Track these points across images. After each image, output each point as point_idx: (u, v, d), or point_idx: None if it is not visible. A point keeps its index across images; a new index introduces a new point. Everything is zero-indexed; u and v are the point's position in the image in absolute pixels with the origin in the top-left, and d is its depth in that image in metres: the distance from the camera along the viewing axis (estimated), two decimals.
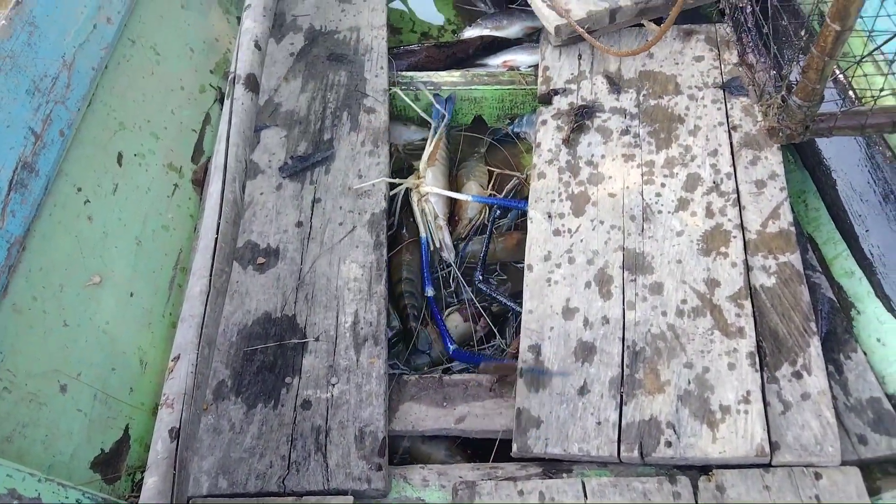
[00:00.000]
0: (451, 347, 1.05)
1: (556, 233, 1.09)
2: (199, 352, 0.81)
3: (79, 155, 1.04)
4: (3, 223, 0.88)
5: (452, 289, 1.17)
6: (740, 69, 1.11)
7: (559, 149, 1.18)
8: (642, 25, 1.31)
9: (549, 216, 1.11)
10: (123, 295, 1.01)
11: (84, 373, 0.91)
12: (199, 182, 1.21)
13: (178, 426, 0.75)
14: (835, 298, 1.07)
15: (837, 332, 1.02)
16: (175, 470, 0.72)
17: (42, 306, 0.91)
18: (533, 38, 1.50)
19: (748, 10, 1.01)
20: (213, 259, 0.87)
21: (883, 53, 1.09)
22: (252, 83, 1.10)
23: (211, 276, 0.86)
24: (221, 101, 1.32)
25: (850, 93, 1.15)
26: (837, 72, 1.16)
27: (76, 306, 0.95)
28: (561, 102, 1.24)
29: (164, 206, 1.14)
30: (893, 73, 1.09)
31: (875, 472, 0.91)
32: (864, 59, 1.13)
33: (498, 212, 1.21)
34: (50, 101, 0.99)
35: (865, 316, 1.04)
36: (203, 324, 0.83)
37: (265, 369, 0.98)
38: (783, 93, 0.86)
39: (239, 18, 1.43)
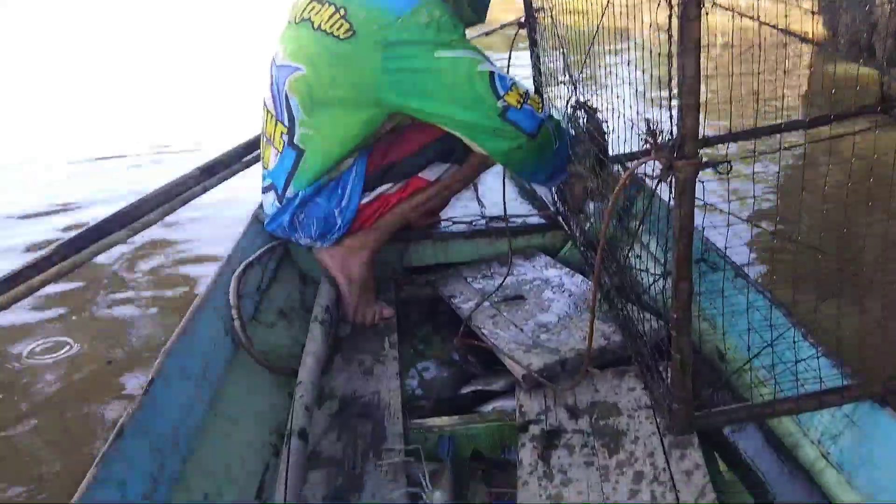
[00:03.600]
0: None
1: None
2: None
3: (179, 495, 1.40)
4: None
5: None
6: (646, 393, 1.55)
7: (537, 462, 1.55)
8: (588, 371, 1.79)
9: None
10: None
11: None
12: None
13: None
14: None
15: None
16: None
17: None
18: (514, 389, 1.97)
19: (644, 354, 1.49)
20: None
21: (751, 370, 1.55)
22: (304, 435, 1.52)
23: None
24: (276, 455, 1.72)
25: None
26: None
27: None
28: (535, 429, 1.65)
29: None
30: (757, 382, 1.53)
31: None
32: (734, 374, 1.58)
33: None
34: (163, 456, 1.39)
35: None
36: None
37: None
38: (667, 402, 1.28)
39: (289, 394, 1.92)
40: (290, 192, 2.08)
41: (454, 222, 2.62)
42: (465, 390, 2.02)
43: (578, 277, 2.23)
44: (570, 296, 2.11)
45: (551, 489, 1.48)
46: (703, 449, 1.51)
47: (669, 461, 1.49)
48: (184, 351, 1.65)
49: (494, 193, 2.96)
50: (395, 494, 1.53)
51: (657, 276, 1.72)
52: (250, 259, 2.08)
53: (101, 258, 2.25)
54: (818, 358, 1.42)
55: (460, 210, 2.78)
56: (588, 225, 2.13)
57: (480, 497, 1.62)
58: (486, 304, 2.15)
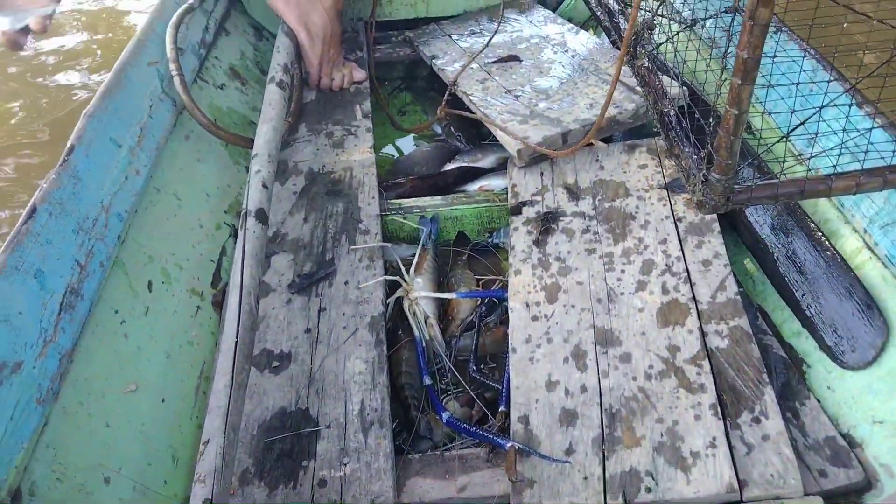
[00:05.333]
0: (445, 416, 1.16)
1: (535, 318, 1.24)
2: (226, 436, 0.93)
3: (115, 283, 1.20)
4: (55, 338, 1.02)
5: (449, 379, 1.29)
6: (672, 160, 1.31)
7: (531, 249, 1.36)
8: (592, 145, 1.54)
9: (528, 305, 1.26)
10: (156, 401, 1.14)
11: (124, 468, 1.02)
12: (218, 304, 1.37)
13: (210, 498, 0.86)
14: (787, 356, 1.20)
15: (792, 384, 1.15)
16: None
17: (87, 410, 1.03)
18: (503, 167, 1.73)
19: (671, 113, 1.22)
20: (235, 359, 1.01)
21: (789, 140, 1.30)
22: (262, 216, 1.28)
23: (233, 373, 1.00)
24: (235, 236, 1.51)
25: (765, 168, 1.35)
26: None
27: (116, 410, 1.07)
28: (529, 212, 1.44)
29: (189, 324, 1.29)
30: (803, 156, 1.30)
31: (838, 500, 1.01)
32: (774, 145, 1.34)
33: (484, 309, 1.37)
34: (91, 239, 1.17)
35: (814, 368, 1.17)
36: (228, 412, 0.95)
37: (284, 456, 1.09)
38: (703, 171, 1.03)
39: (247, 168, 1.66)
40: None
41: None
42: (449, 167, 1.77)
43: (584, 34, 1.89)
44: (573, 56, 1.79)
45: (546, 278, 1.30)
46: (723, 237, 1.32)
47: (684, 249, 1.30)
48: (111, 114, 1.35)
49: None
50: (370, 282, 1.34)
51: (689, 23, 1.40)
52: (190, 2, 1.69)
53: None
54: (876, 129, 1.17)
55: None
56: None
57: (466, 284, 1.45)
58: (475, 65, 1.83)
